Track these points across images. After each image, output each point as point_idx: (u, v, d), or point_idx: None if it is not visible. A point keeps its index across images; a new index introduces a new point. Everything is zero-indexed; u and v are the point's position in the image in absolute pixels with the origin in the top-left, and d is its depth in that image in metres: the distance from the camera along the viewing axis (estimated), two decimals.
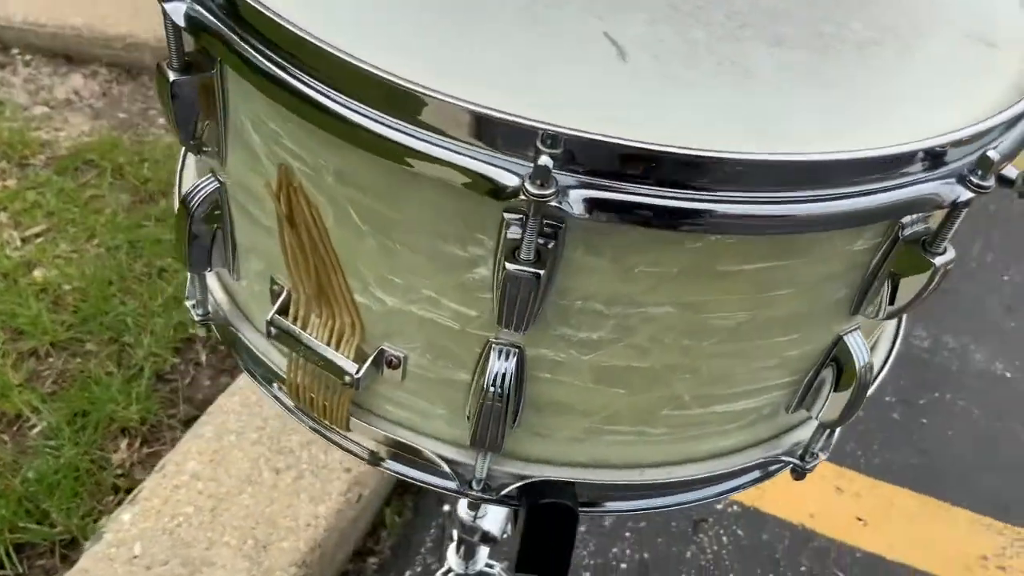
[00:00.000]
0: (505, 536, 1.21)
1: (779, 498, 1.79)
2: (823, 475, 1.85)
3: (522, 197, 0.43)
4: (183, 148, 0.76)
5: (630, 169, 0.43)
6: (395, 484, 1.65)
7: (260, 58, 0.47)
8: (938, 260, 0.51)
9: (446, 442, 0.59)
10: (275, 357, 0.63)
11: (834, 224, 0.47)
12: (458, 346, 0.54)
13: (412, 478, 0.62)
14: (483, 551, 1.26)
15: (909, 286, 0.53)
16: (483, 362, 0.53)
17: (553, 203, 0.42)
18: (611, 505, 0.62)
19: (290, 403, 0.64)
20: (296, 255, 0.55)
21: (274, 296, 0.59)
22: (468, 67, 0.48)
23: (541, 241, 0.45)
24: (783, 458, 0.64)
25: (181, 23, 0.49)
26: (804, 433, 0.65)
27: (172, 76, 0.52)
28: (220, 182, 0.58)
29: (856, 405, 0.59)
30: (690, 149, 0.43)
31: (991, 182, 0.47)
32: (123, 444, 1.60)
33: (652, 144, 0.43)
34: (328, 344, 0.57)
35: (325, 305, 0.56)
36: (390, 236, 0.51)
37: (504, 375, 0.52)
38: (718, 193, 0.44)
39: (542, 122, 0.43)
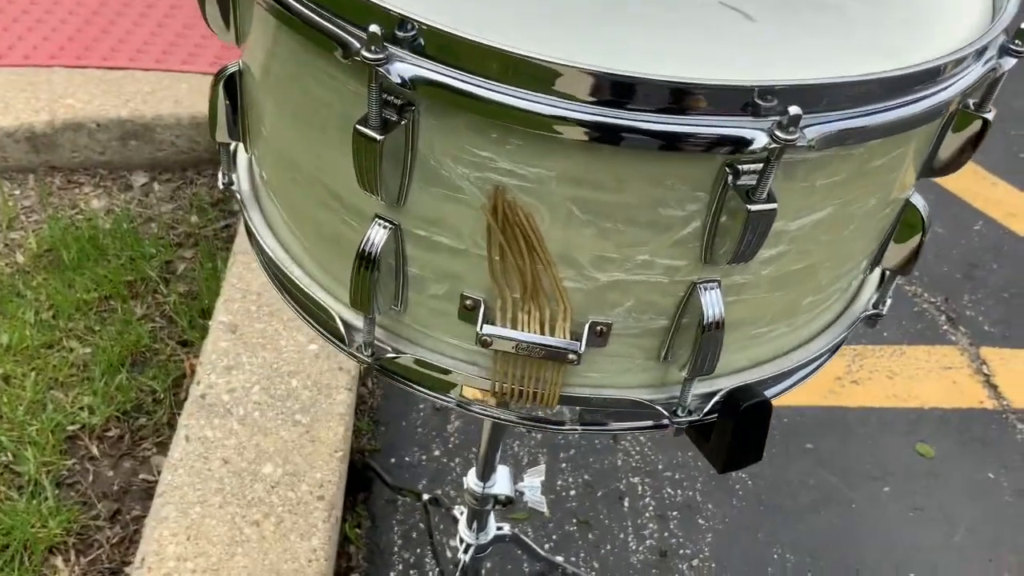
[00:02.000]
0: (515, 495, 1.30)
1: None
2: None
3: (773, 144, 0.52)
4: (243, 213, 0.78)
5: (839, 100, 0.54)
6: (344, 499, 1.67)
7: (490, 92, 0.52)
8: (987, 114, 0.66)
9: (644, 387, 0.68)
10: (452, 365, 0.68)
11: (940, 113, 0.60)
12: (664, 296, 0.62)
13: (620, 429, 0.70)
14: (492, 519, 1.34)
15: (956, 140, 0.68)
16: (686, 303, 0.62)
17: (801, 144, 0.52)
18: (769, 392, 0.73)
19: (451, 402, 0.70)
20: (506, 263, 0.60)
21: (466, 310, 0.64)
22: (658, 56, 0.56)
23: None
24: (866, 314, 0.79)
25: (407, 82, 0.53)
26: (870, 289, 0.80)
27: (379, 136, 0.55)
28: (394, 224, 0.62)
29: (922, 247, 0.74)
30: (880, 74, 0.54)
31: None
32: (59, 562, 1.49)
33: (847, 77, 0.53)
34: (542, 333, 0.63)
35: (532, 300, 0.62)
36: (611, 219, 0.58)
37: (715, 307, 0.61)
38: (884, 104, 0.56)
39: (755, 81, 0.52)
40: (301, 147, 0.66)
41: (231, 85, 0.74)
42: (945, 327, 2.20)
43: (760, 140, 0.52)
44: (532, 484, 1.29)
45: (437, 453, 1.81)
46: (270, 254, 0.75)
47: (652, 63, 0.54)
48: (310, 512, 1.41)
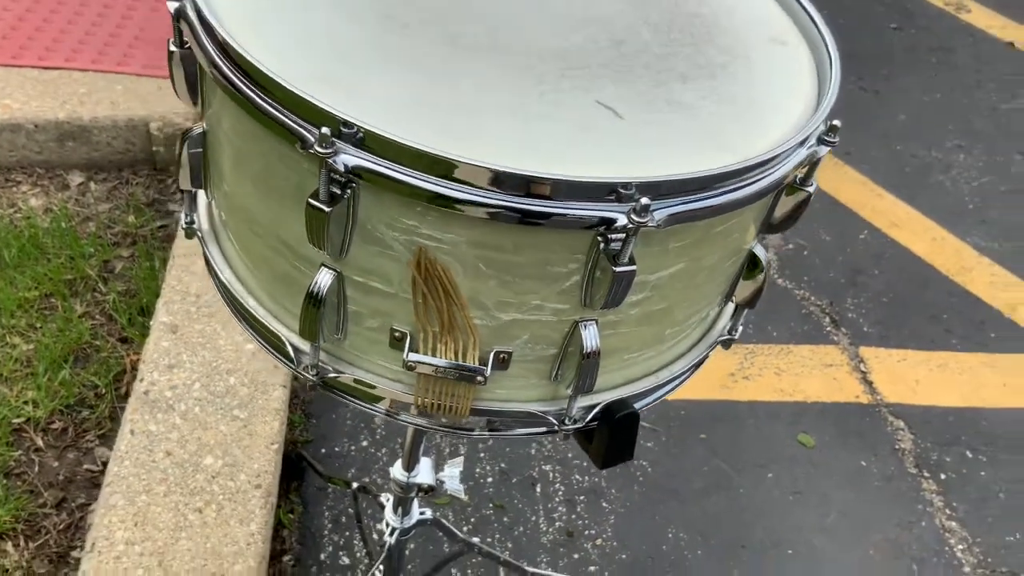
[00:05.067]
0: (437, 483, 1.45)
1: None
2: None
3: (629, 224, 0.68)
4: (204, 249, 0.91)
5: (681, 190, 0.70)
6: (278, 485, 1.80)
7: (419, 181, 0.68)
8: (810, 188, 0.83)
9: (538, 401, 0.84)
10: (383, 384, 0.83)
11: (767, 193, 0.77)
12: (553, 331, 0.78)
13: (520, 435, 0.86)
14: (415, 505, 1.49)
15: (788, 203, 0.85)
16: (570, 337, 0.79)
17: (651, 224, 0.69)
18: (638, 404, 0.90)
19: (381, 412, 0.85)
20: (428, 305, 0.76)
21: (395, 340, 0.79)
22: (552, 152, 0.72)
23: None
24: (721, 339, 0.96)
25: (349, 168, 0.68)
26: (724, 320, 0.97)
27: (327, 209, 0.70)
28: (337, 271, 0.77)
29: (764, 285, 0.91)
30: (712, 170, 0.71)
31: (836, 138, 0.80)
32: (8, 547, 1.60)
33: (687, 174, 0.70)
34: (456, 359, 0.78)
35: (448, 334, 0.78)
36: (510, 273, 0.74)
37: (592, 339, 0.78)
38: (718, 189, 0.73)
39: (617, 178, 0.68)
40: (259, 205, 0.80)
41: (194, 142, 0.88)
42: (829, 328, 2.42)
43: (622, 220, 0.68)
44: (452, 473, 1.45)
45: (365, 443, 1.95)
46: (228, 287, 0.89)
47: (547, 156, 0.71)
48: (248, 500, 1.54)
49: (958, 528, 2.02)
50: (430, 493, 1.44)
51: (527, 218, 0.68)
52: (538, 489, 1.95)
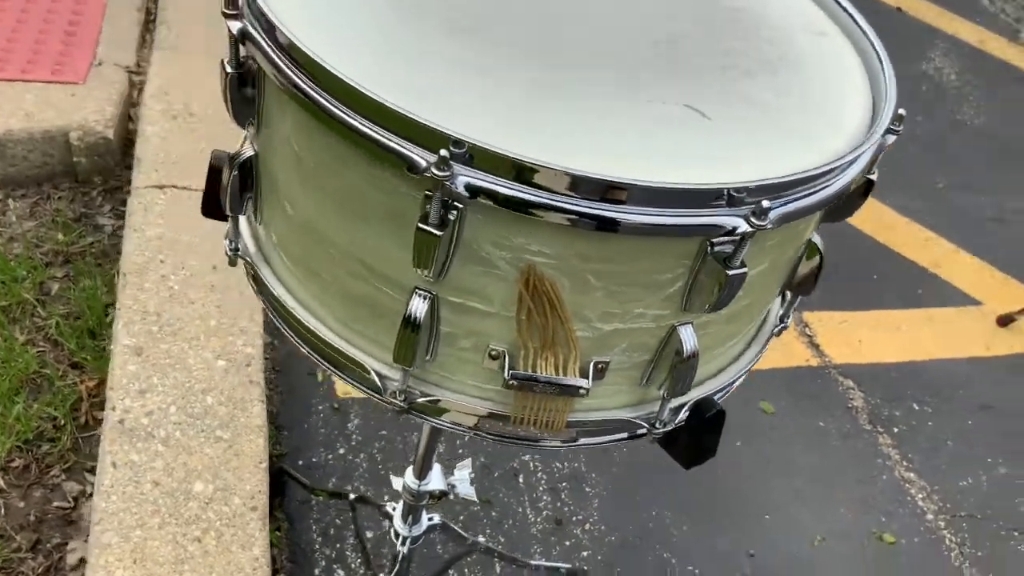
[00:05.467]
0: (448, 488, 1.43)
1: None
2: None
3: (749, 229, 0.68)
4: (258, 274, 0.87)
5: (788, 190, 0.71)
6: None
7: (537, 197, 0.66)
8: (872, 176, 0.85)
9: (627, 406, 0.84)
10: (471, 403, 0.81)
11: (852, 184, 0.79)
12: (651, 337, 0.78)
13: (608, 442, 0.85)
14: (424, 513, 1.47)
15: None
16: (667, 341, 0.78)
17: (768, 227, 0.69)
18: (717, 396, 0.90)
19: (465, 426, 0.83)
20: (532, 322, 0.74)
21: (493, 359, 0.77)
22: (652, 165, 0.71)
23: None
24: (776, 328, 0.98)
25: (463, 192, 0.65)
26: (776, 309, 0.99)
27: (439, 233, 0.67)
28: (432, 295, 0.74)
29: (820, 273, 0.93)
30: (817, 168, 0.71)
31: (901, 126, 0.82)
32: None
33: (797, 174, 0.70)
34: (556, 374, 0.77)
35: (549, 349, 0.76)
36: (616, 283, 0.73)
37: (691, 341, 0.78)
38: (817, 185, 0.73)
39: (730, 183, 0.68)
40: (339, 229, 0.77)
41: (241, 166, 0.83)
42: None
43: (742, 227, 0.68)
44: (462, 477, 1.44)
45: (342, 451, 1.91)
46: (292, 313, 0.85)
47: (648, 163, 0.70)
48: (247, 524, 1.49)
49: (916, 478, 2.12)
50: (441, 499, 1.42)
51: (643, 228, 0.67)
52: (521, 480, 1.94)
